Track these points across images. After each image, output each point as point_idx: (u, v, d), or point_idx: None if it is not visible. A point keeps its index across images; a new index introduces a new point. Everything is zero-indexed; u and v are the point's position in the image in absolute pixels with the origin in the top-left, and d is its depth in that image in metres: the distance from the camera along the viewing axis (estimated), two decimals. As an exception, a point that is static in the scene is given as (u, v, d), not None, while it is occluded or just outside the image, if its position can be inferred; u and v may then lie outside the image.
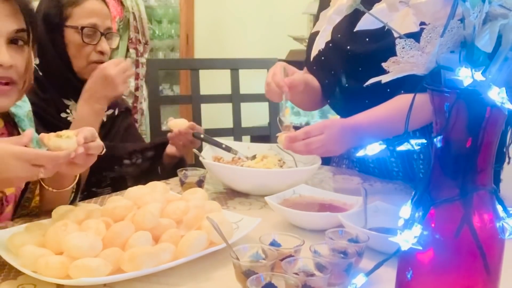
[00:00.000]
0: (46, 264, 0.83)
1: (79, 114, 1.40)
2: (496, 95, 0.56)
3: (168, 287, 0.87)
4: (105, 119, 1.56)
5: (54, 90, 1.48)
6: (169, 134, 1.55)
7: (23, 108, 1.26)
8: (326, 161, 1.58)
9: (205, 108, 2.15)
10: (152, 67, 2.14)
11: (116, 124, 1.63)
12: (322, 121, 1.30)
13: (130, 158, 1.56)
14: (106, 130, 1.58)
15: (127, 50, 2.80)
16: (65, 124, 1.48)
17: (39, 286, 0.84)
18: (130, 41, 2.77)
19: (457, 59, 0.61)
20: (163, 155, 1.61)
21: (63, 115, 1.49)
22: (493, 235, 0.64)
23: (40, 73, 1.48)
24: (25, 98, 1.26)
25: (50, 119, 1.46)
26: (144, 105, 3.08)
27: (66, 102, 1.50)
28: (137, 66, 2.90)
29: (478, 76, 0.57)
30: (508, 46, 0.59)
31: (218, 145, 1.50)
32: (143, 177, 1.58)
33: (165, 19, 4.84)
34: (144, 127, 3.07)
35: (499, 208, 0.65)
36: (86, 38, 1.45)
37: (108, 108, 1.57)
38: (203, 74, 2.17)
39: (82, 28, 1.44)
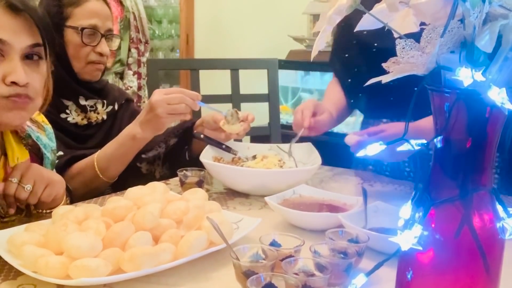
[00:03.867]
0: (46, 264, 0.83)
1: (123, 131, 1.39)
2: (496, 95, 0.56)
3: (168, 287, 0.87)
4: (105, 117, 1.56)
5: (54, 90, 1.48)
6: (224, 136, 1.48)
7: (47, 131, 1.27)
8: (347, 164, 1.62)
9: (205, 108, 2.15)
10: (152, 67, 2.14)
11: (118, 118, 1.61)
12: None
13: (151, 150, 1.55)
14: (108, 127, 1.57)
15: (129, 50, 2.81)
16: (67, 125, 1.49)
17: (39, 286, 0.84)
18: (131, 41, 2.77)
19: (457, 59, 0.61)
20: (189, 140, 1.56)
21: (63, 115, 1.48)
22: (493, 235, 0.64)
23: None
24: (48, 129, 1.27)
25: (53, 118, 1.46)
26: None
27: (65, 102, 1.49)
28: (139, 66, 2.90)
29: (478, 76, 0.57)
30: (508, 46, 0.59)
31: (218, 145, 1.50)
32: (169, 164, 1.57)
33: (165, 19, 4.85)
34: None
35: (499, 208, 0.65)
36: (86, 39, 1.45)
37: (107, 106, 1.56)
38: (203, 74, 2.17)
39: (83, 29, 1.44)
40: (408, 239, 0.62)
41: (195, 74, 2.14)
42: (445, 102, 0.63)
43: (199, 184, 1.31)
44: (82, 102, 1.51)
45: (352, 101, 1.56)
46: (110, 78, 2.83)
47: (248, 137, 2.50)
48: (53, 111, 1.47)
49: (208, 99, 2.19)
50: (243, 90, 2.19)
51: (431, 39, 0.62)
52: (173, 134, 1.58)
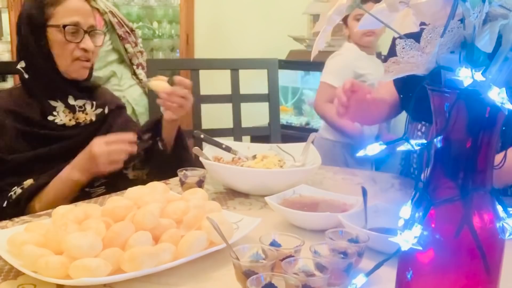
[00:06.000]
0: (46, 264, 0.83)
1: (60, 174, 1.39)
2: (496, 95, 0.56)
3: (168, 287, 0.87)
4: (94, 118, 1.54)
5: (41, 91, 1.47)
6: (158, 100, 1.52)
7: None
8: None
9: (205, 108, 2.15)
10: (152, 67, 2.14)
11: (107, 122, 1.59)
12: None
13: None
14: (95, 128, 1.55)
15: (125, 49, 2.79)
16: (51, 127, 1.46)
17: (39, 286, 0.84)
18: (121, 38, 2.75)
19: (457, 59, 0.61)
20: (159, 131, 1.58)
21: (50, 118, 1.47)
22: (493, 235, 0.64)
23: (26, 76, 1.47)
24: None
25: (34, 122, 1.45)
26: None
27: (53, 103, 1.48)
28: (137, 57, 2.86)
29: (478, 76, 0.57)
30: (508, 46, 0.59)
31: (218, 145, 1.50)
32: (147, 160, 1.57)
33: (165, 19, 4.85)
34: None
35: (499, 208, 0.65)
36: (69, 36, 1.45)
37: (97, 107, 1.55)
38: (203, 74, 2.17)
39: (64, 26, 1.44)
40: (408, 239, 0.62)
41: (195, 74, 2.14)
42: (445, 102, 0.63)
43: (199, 184, 1.31)
44: (71, 102, 1.49)
45: (401, 96, 1.54)
46: (128, 79, 2.80)
47: (248, 137, 2.50)
48: (36, 116, 1.45)
49: (208, 99, 2.21)
50: (243, 90, 2.20)
51: (431, 39, 0.62)
52: (146, 130, 1.59)
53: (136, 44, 2.82)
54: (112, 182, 1.48)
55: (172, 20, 4.84)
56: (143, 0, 4.83)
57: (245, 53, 3.45)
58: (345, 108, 1.35)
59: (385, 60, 1.64)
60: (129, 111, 2.68)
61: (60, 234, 0.90)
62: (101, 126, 1.57)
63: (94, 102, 1.54)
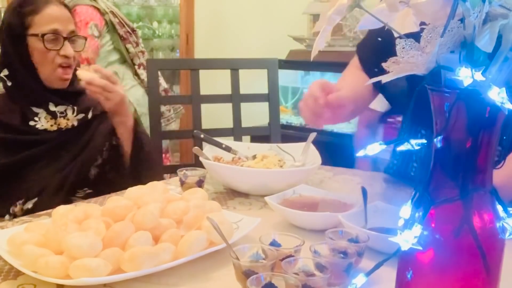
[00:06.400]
0: (46, 264, 0.83)
1: None
2: (496, 95, 0.56)
3: (168, 287, 0.87)
4: (76, 124, 1.53)
5: (23, 99, 1.48)
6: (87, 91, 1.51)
7: None
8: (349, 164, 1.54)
9: (205, 108, 2.15)
10: (152, 67, 2.14)
11: (91, 128, 1.57)
12: None
13: (101, 154, 1.54)
14: (77, 133, 1.54)
15: (126, 49, 2.78)
16: (33, 132, 1.47)
17: (39, 286, 0.84)
18: (122, 38, 2.75)
19: (457, 59, 0.61)
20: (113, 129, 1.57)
21: (32, 123, 1.47)
22: (493, 235, 0.64)
23: (9, 83, 1.47)
24: None
25: (14, 128, 1.46)
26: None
27: (35, 110, 1.48)
28: (139, 57, 2.86)
29: (478, 76, 0.57)
30: (508, 46, 0.59)
31: (218, 145, 1.50)
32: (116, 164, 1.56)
33: (165, 19, 4.86)
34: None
35: (499, 208, 0.65)
36: (48, 44, 1.45)
37: (78, 113, 1.54)
38: (203, 74, 2.17)
39: (43, 35, 1.44)
40: (408, 239, 0.62)
41: (195, 74, 2.14)
42: (445, 102, 0.63)
43: (199, 184, 1.31)
44: (52, 108, 1.49)
45: (378, 86, 1.46)
46: (129, 80, 2.80)
47: (248, 137, 2.50)
48: (17, 121, 1.46)
49: (208, 99, 2.20)
50: (243, 90, 2.19)
51: (431, 39, 0.61)
52: (109, 135, 1.57)
53: (137, 44, 2.82)
54: (95, 187, 1.49)
55: (172, 20, 4.85)
56: (143, 0, 4.83)
57: (245, 53, 3.45)
58: (319, 116, 1.27)
59: (361, 43, 1.56)
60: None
61: (60, 234, 0.90)
62: (85, 131, 1.55)
63: (76, 107, 1.53)
